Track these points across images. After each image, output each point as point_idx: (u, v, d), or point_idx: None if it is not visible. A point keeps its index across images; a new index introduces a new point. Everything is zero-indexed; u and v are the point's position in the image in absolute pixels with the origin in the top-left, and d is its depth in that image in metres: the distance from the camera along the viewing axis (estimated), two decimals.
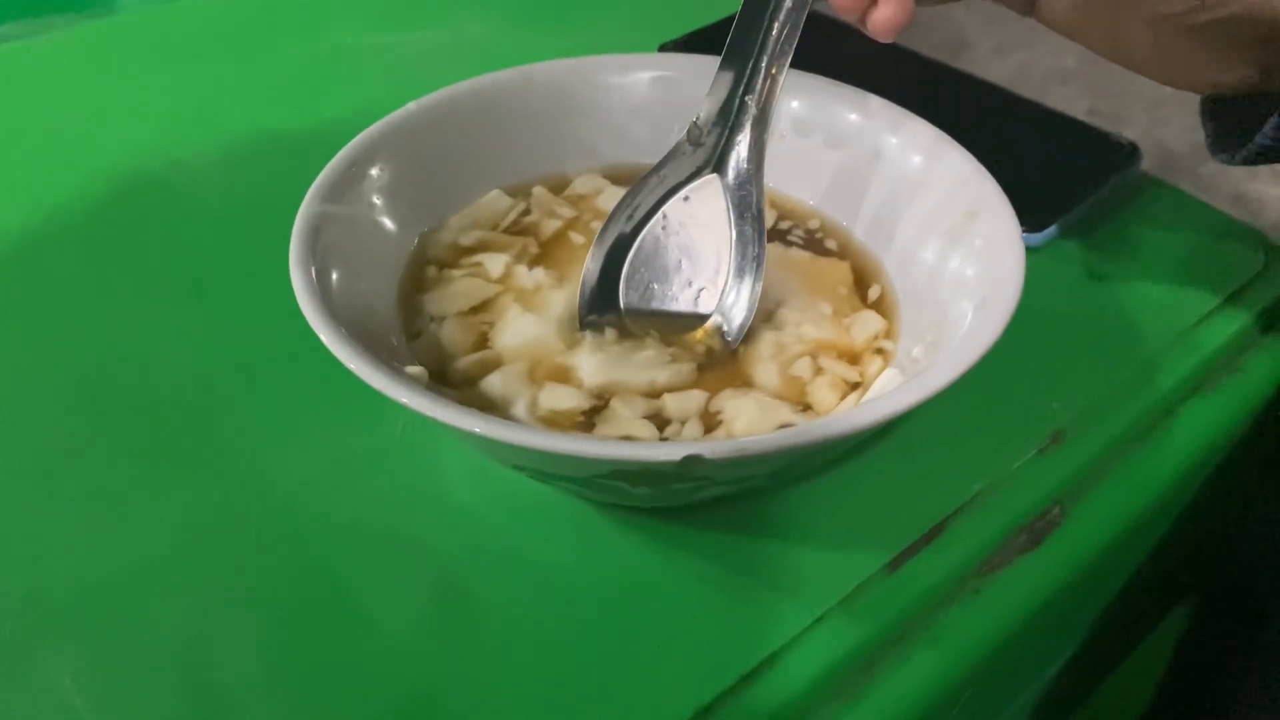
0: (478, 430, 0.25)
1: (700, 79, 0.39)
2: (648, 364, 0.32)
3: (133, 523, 0.33)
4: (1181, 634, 0.47)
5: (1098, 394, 0.38)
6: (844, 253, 0.37)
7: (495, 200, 0.38)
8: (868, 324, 0.35)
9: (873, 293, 0.35)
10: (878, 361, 0.34)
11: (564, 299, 0.35)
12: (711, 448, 0.25)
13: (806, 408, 0.32)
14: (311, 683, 0.29)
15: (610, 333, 0.33)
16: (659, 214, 0.34)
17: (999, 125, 0.49)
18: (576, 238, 0.37)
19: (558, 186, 0.39)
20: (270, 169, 0.48)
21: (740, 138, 0.34)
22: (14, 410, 0.37)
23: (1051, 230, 0.43)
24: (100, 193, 0.47)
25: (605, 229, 0.34)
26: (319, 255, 0.31)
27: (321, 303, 0.29)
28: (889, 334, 0.35)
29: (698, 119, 0.34)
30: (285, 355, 0.38)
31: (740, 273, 0.34)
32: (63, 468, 0.35)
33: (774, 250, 0.37)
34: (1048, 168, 0.46)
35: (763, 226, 0.34)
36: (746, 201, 0.34)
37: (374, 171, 0.35)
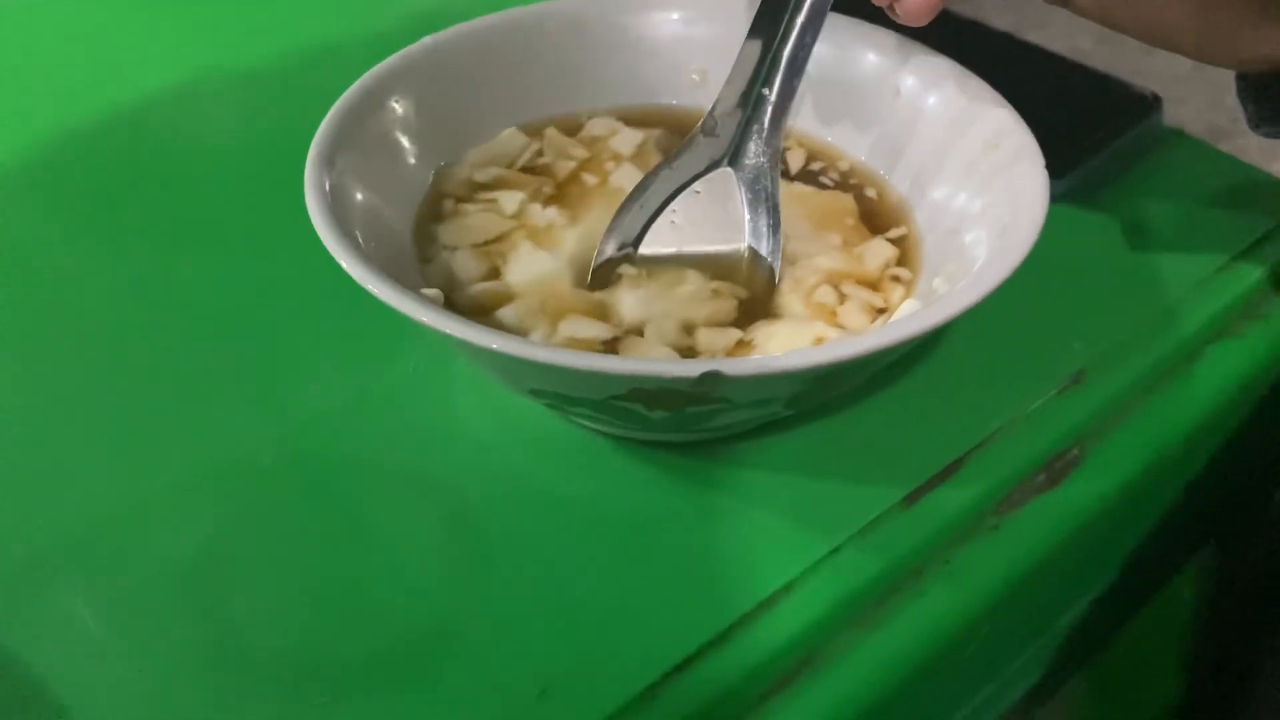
0: (495, 347, 0.24)
1: (714, 19, 0.39)
2: (690, 300, 0.32)
3: (148, 453, 0.33)
4: (1207, 581, 0.47)
5: (1119, 336, 0.37)
6: (877, 194, 0.37)
7: (511, 138, 0.38)
8: (878, 251, 0.35)
9: (896, 232, 0.35)
10: (899, 289, 0.33)
11: (575, 238, 0.34)
12: (732, 364, 0.24)
13: (842, 329, 0.32)
14: (325, 612, 0.29)
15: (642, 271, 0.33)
16: (669, 209, 0.34)
17: (1019, 75, 0.48)
18: (589, 179, 0.37)
19: (571, 128, 0.39)
20: (281, 99, 0.48)
21: (756, 130, 0.34)
22: (29, 344, 0.37)
23: (1073, 176, 0.43)
24: (107, 122, 0.47)
25: (616, 219, 0.34)
26: (335, 178, 0.31)
27: (336, 222, 0.29)
28: (905, 263, 0.34)
29: (714, 109, 0.34)
30: (301, 288, 0.38)
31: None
32: (78, 400, 0.35)
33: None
34: (1069, 117, 0.46)
35: (778, 221, 0.33)
36: (761, 195, 0.34)
37: (391, 103, 0.35)
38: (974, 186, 0.33)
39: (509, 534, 0.31)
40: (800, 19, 0.33)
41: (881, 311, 0.33)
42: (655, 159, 0.38)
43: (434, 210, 0.35)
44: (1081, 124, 0.45)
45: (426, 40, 0.37)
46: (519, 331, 0.32)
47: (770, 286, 0.33)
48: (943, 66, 0.36)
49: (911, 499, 0.32)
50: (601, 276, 0.33)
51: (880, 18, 0.34)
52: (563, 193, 0.37)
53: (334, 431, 0.34)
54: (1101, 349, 0.37)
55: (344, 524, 0.32)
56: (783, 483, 0.32)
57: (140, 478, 0.33)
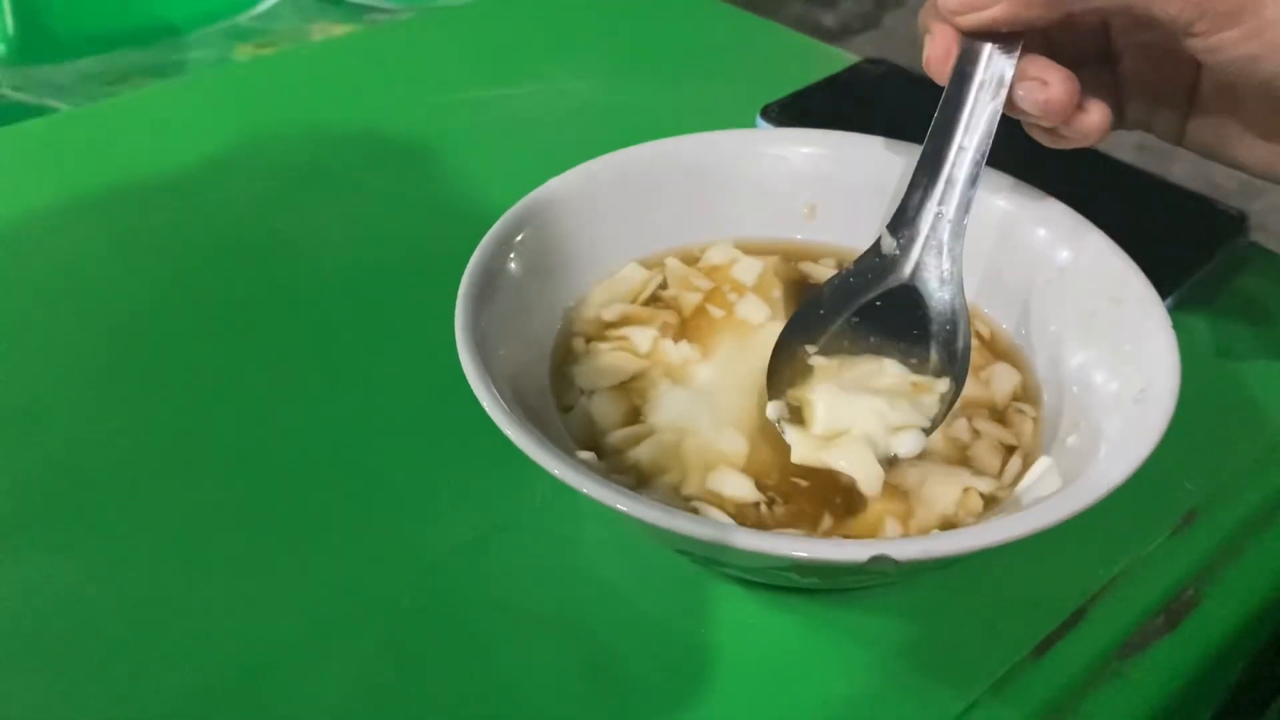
0: (678, 529, 0.25)
1: (823, 156, 0.40)
2: (891, 394, 0.32)
3: (285, 596, 0.34)
4: None
5: (1227, 472, 0.38)
6: (989, 333, 0.37)
7: (633, 273, 0.39)
8: (1005, 378, 0.36)
9: (1011, 379, 0.36)
10: (1028, 423, 0.34)
11: (711, 373, 0.35)
12: (900, 548, 0.25)
13: (976, 472, 0.33)
14: None
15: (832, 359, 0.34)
16: (845, 318, 0.34)
17: (1102, 192, 0.49)
18: (715, 311, 0.38)
19: (689, 258, 0.40)
20: (387, 230, 0.49)
21: (934, 245, 0.34)
22: (159, 485, 0.37)
23: (1168, 303, 0.43)
24: (217, 254, 0.48)
25: (789, 329, 0.34)
26: (480, 335, 0.32)
27: (493, 387, 0.30)
28: (1025, 397, 0.35)
29: (891, 225, 0.35)
30: (422, 420, 0.39)
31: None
32: (210, 543, 0.35)
33: None
34: (1156, 237, 0.46)
35: (965, 331, 0.34)
36: (944, 308, 0.34)
37: (521, 249, 0.36)
38: (1097, 339, 0.34)
39: (642, 678, 0.32)
40: (972, 137, 0.34)
41: (1011, 449, 0.34)
42: (776, 288, 0.39)
43: (567, 352, 0.36)
44: (1170, 244, 0.46)
45: (552, 182, 0.38)
46: (655, 470, 0.32)
47: (955, 397, 0.33)
48: (1056, 210, 0.37)
49: (1040, 650, 0.33)
50: (790, 369, 0.34)
51: None
52: (690, 326, 0.37)
53: (467, 570, 0.34)
54: (1211, 486, 0.38)
55: (482, 664, 0.32)
56: (915, 632, 0.33)
57: (278, 623, 0.33)
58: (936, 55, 0.34)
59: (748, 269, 0.39)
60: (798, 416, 0.33)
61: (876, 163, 0.40)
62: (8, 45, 1.07)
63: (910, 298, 0.34)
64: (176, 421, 0.40)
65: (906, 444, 0.31)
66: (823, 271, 0.40)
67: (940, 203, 0.34)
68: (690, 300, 0.38)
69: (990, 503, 0.32)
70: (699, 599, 0.34)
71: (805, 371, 0.34)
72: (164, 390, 0.41)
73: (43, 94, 0.93)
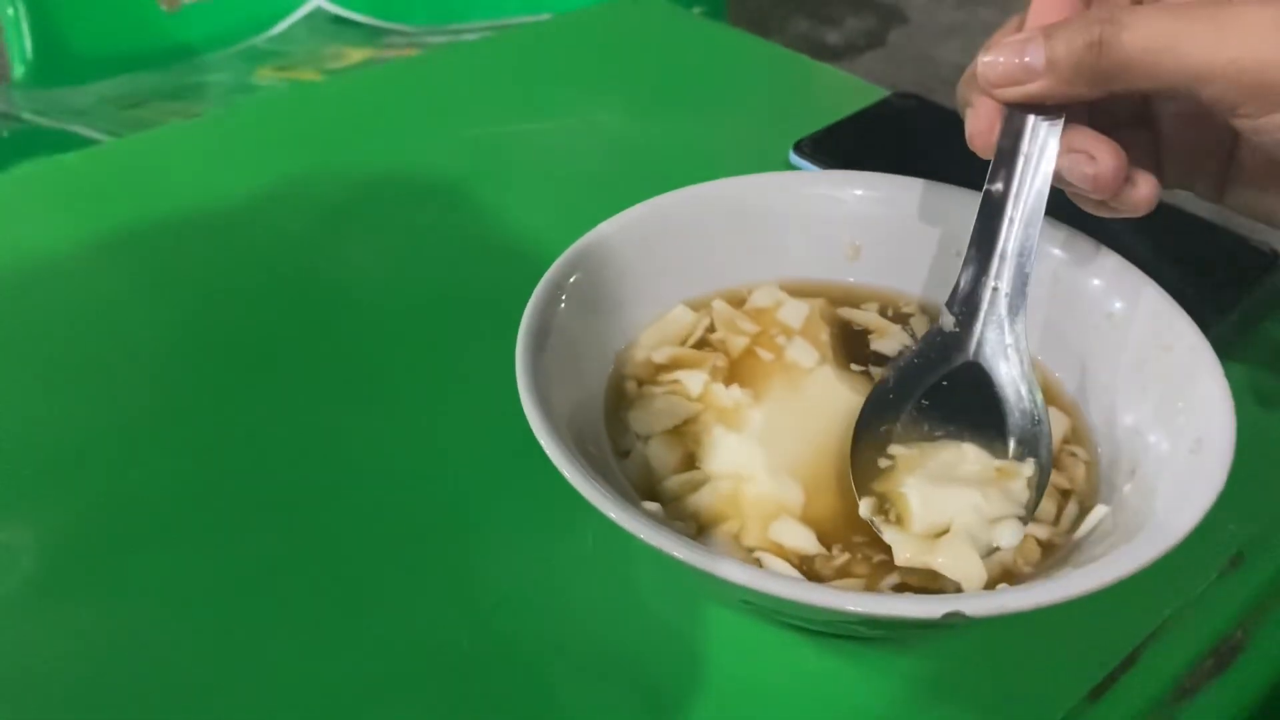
0: (760, 587, 0.26)
1: (867, 198, 0.41)
2: (980, 483, 0.32)
3: (343, 645, 0.34)
4: None
5: (1272, 514, 0.38)
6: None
7: (681, 315, 0.39)
8: (1056, 423, 0.36)
9: (1061, 423, 0.36)
10: (1080, 467, 0.34)
11: (763, 417, 0.36)
12: (974, 604, 0.25)
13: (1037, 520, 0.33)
14: None
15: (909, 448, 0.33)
16: (916, 401, 0.34)
17: (1133, 229, 0.50)
18: (765, 354, 0.38)
19: (736, 299, 0.41)
20: (428, 267, 0.49)
21: (994, 321, 0.34)
22: (205, 534, 0.37)
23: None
24: (258, 293, 0.48)
25: (863, 419, 0.34)
26: (541, 384, 0.32)
27: (559, 438, 0.30)
28: (1077, 438, 0.36)
29: (951, 303, 0.35)
30: (470, 462, 0.40)
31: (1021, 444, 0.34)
32: (263, 593, 0.36)
33: None
34: (1189, 276, 0.47)
35: (1040, 408, 0.34)
36: (1012, 385, 0.34)
37: (573, 291, 0.36)
38: (1149, 388, 0.34)
39: None
40: (1021, 209, 0.34)
41: (1066, 493, 0.34)
42: (823, 330, 0.39)
43: (620, 395, 0.37)
44: (1204, 283, 0.46)
45: (602, 226, 0.38)
46: (713, 519, 0.33)
47: (1043, 480, 0.33)
48: (1110, 260, 0.37)
49: (1097, 693, 0.33)
50: (872, 463, 0.34)
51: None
52: (740, 369, 0.38)
53: (525, 613, 0.35)
54: (1255, 529, 0.38)
55: (543, 708, 0.32)
56: (971, 677, 0.33)
57: (340, 669, 0.33)
58: (980, 130, 0.35)
59: (794, 311, 0.40)
60: (887, 511, 0.32)
61: (921, 205, 0.40)
62: (26, 67, 1.07)
63: (977, 375, 0.34)
64: (220, 465, 0.40)
65: (1008, 535, 0.31)
66: (867, 317, 0.40)
67: (996, 278, 0.34)
68: (738, 344, 0.39)
69: (1047, 549, 0.32)
70: (755, 643, 0.34)
71: (888, 464, 0.33)
72: (207, 434, 0.41)
73: (63, 118, 0.94)
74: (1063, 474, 0.35)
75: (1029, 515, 0.32)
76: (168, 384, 0.43)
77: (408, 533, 0.37)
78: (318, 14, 1.20)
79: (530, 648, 0.34)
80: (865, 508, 0.32)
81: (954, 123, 0.56)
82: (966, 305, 0.35)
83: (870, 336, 0.40)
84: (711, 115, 0.61)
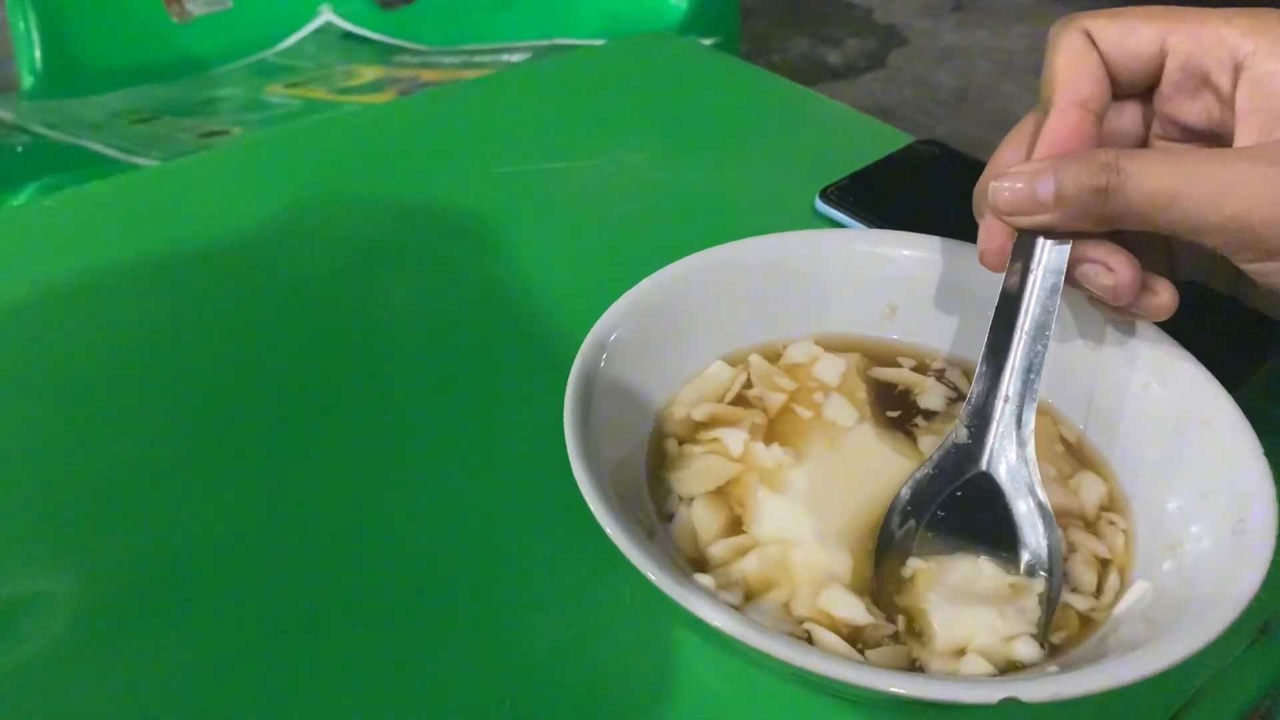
0: (809, 667, 0.26)
1: (904, 258, 0.41)
2: (995, 598, 0.32)
3: (386, 700, 0.34)
4: None
5: None
6: (1076, 439, 0.38)
7: (719, 371, 0.40)
8: (1092, 488, 0.36)
9: (1098, 488, 0.37)
10: (1119, 536, 0.35)
11: (805, 477, 0.36)
12: (1029, 690, 0.26)
13: (1073, 589, 0.34)
14: None
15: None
16: (932, 512, 0.35)
17: None
18: (803, 412, 0.39)
19: (772, 354, 0.41)
20: (461, 307, 0.49)
21: (1004, 432, 0.35)
22: (242, 583, 0.37)
23: None
24: (291, 328, 0.48)
25: (883, 533, 0.35)
26: (588, 445, 0.32)
27: (609, 502, 0.30)
28: (1114, 505, 0.36)
29: (964, 417, 0.35)
30: (507, 511, 0.40)
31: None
32: (303, 643, 0.36)
33: None
34: (1206, 345, 0.47)
35: (1049, 518, 0.34)
36: (1023, 492, 0.34)
37: (615, 349, 0.37)
38: (1188, 463, 0.34)
39: None
40: (1031, 322, 0.34)
41: (1106, 562, 0.34)
42: (859, 388, 0.40)
43: (661, 455, 0.37)
44: (1221, 352, 0.47)
45: (643, 283, 0.39)
46: (762, 585, 0.33)
47: (1055, 597, 0.33)
48: (1145, 330, 0.37)
49: None
50: (891, 578, 0.34)
51: None
52: (779, 427, 0.38)
53: (566, 671, 0.35)
54: None
55: None
56: None
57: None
58: (991, 248, 0.36)
59: (830, 367, 0.40)
60: (908, 626, 0.33)
61: (961, 266, 0.41)
62: (35, 78, 1.07)
63: (989, 485, 0.35)
64: (254, 514, 0.40)
65: (1025, 651, 0.31)
66: (903, 375, 0.41)
67: (1007, 391, 0.35)
68: (776, 400, 0.39)
69: (1085, 623, 0.33)
70: (793, 709, 0.34)
71: (907, 578, 0.34)
72: (241, 479, 0.41)
73: (74, 132, 0.94)
74: (1101, 542, 0.35)
75: (1041, 634, 0.32)
76: (201, 426, 0.43)
77: (444, 587, 0.37)
78: (328, 29, 1.20)
79: (571, 708, 0.34)
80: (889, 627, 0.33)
81: (976, 171, 0.57)
82: (979, 417, 0.35)
83: (909, 394, 0.40)
84: (736, 157, 0.61)
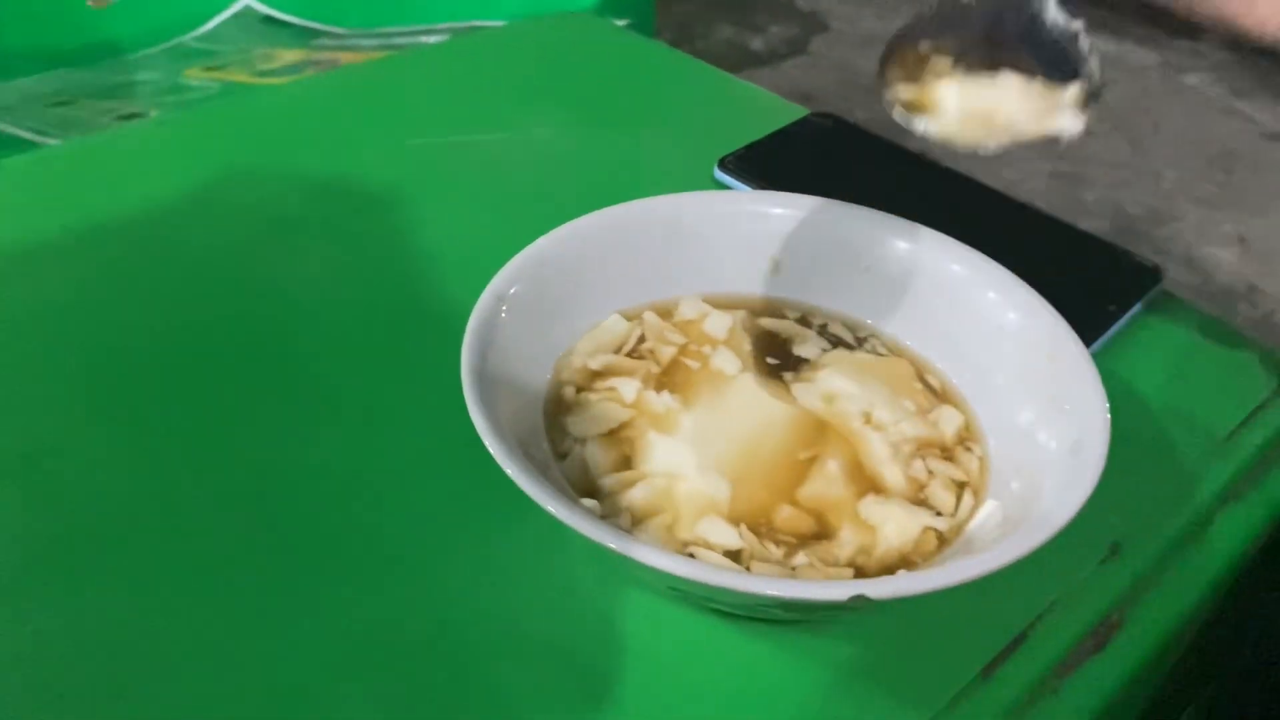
0: (683, 573, 0.28)
1: (786, 216, 0.44)
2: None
3: (302, 634, 0.36)
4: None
5: (1147, 508, 0.43)
6: (939, 384, 0.42)
7: (615, 324, 0.42)
8: (950, 419, 0.40)
9: (956, 419, 0.40)
10: (973, 460, 0.38)
11: (692, 422, 0.39)
12: (877, 588, 0.29)
13: (937, 512, 0.37)
14: None
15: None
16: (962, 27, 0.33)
17: (1024, 243, 0.54)
18: (692, 363, 0.41)
19: (665, 311, 0.44)
20: (371, 274, 0.51)
21: None
22: (161, 532, 0.39)
23: (1091, 350, 0.48)
24: (204, 298, 0.49)
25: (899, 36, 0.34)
26: (485, 389, 0.35)
27: (503, 440, 0.33)
28: (971, 435, 0.39)
29: None
30: (417, 464, 0.42)
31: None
32: (223, 583, 0.37)
33: (844, 355, 0.42)
34: (1079, 289, 0.51)
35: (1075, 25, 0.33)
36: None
37: (514, 302, 0.39)
38: (1036, 394, 0.38)
39: (634, 703, 0.35)
40: None
41: (962, 485, 0.38)
42: (745, 341, 0.42)
43: (559, 401, 0.39)
44: (1092, 296, 0.51)
45: (541, 240, 0.41)
46: (647, 511, 0.36)
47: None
48: (1003, 275, 0.41)
49: (988, 671, 0.37)
50: (905, 65, 0.34)
51: None
52: (669, 377, 0.41)
53: (470, 603, 0.37)
54: (1132, 521, 0.42)
55: (490, 693, 0.35)
56: (877, 657, 0.36)
57: (297, 660, 0.35)
58: None
59: (718, 323, 0.43)
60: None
61: (838, 224, 0.44)
62: None
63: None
64: (170, 469, 0.41)
65: (1068, 122, 0.31)
66: (784, 325, 0.44)
67: None
68: (667, 353, 0.42)
69: (942, 540, 0.36)
70: (683, 629, 0.37)
71: (923, 65, 0.33)
72: (155, 438, 0.42)
73: None
74: (958, 467, 0.38)
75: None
76: (115, 389, 0.45)
77: (359, 530, 0.39)
78: (247, 13, 1.20)
79: (476, 636, 0.36)
80: (896, 111, 0.33)
81: (866, 141, 0.60)
82: None
83: (789, 343, 0.43)
84: (643, 130, 0.64)
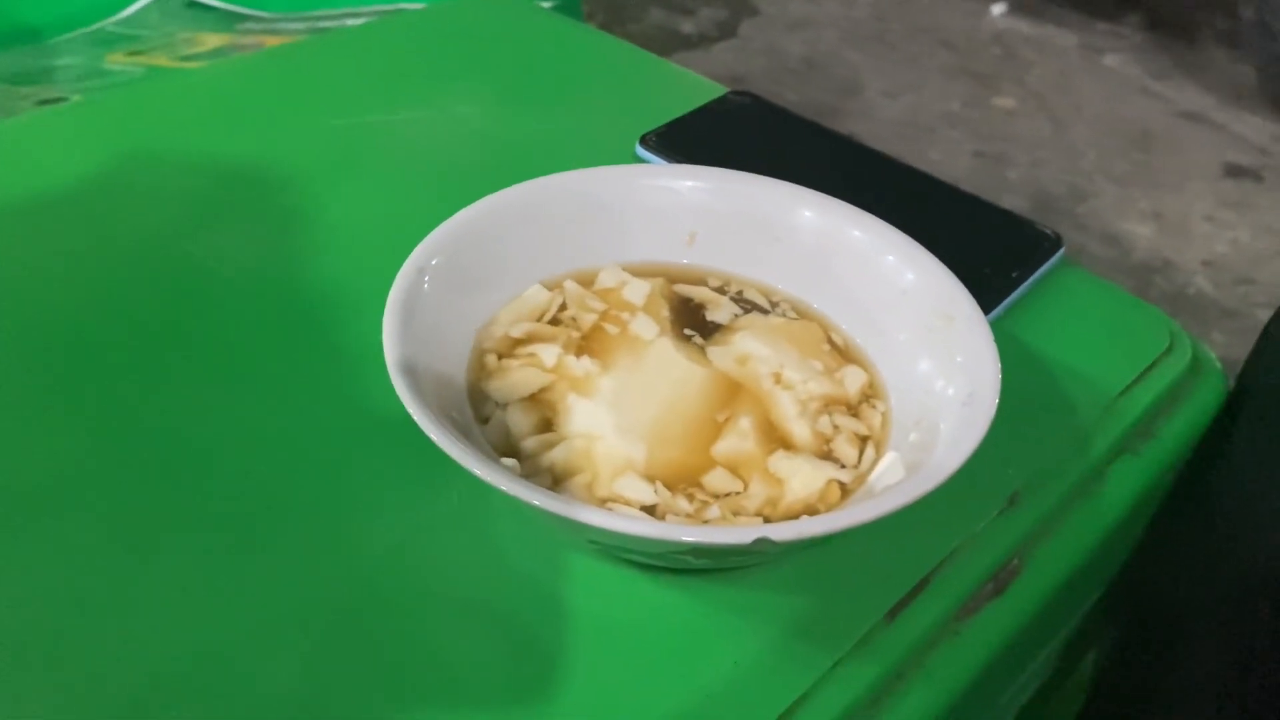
0: (596, 523, 0.30)
1: (702, 189, 0.46)
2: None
3: (231, 598, 0.37)
4: (1101, 664, 0.56)
5: (1043, 461, 0.45)
6: (842, 341, 0.44)
7: (536, 294, 0.43)
8: (855, 377, 0.42)
9: (860, 377, 0.42)
10: (877, 415, 0.40)
11: (611, 385, 0.40)
12: (778, 531, 0.30)
13: (841, 465, 0.39)
14: None
15: None
16: None
17: (937, 218, 0.56)
18: (611, 328, 0.43)
19: (585, 280, 0.45)
20: (297, 250, 0.52)
21: None
22: (87, 504, 0.40)
23: (994, 315, 0.51)
24: (129, 278, 0.50)
25: None
26: (406, 357, 0.36)
27: (423, 401, 0.34)
28: (874, 392, 0.42)
29: None
30: (344, 434, 0.43)
31: None
32: (151, 551, 0.38)
33: (757, 319, 0.44)
34: (986, 258, 0.54)
35: None
36: None
37: (435, 273, 0.40)
38: (935, 351, 0.40)
39: (559, 656, 0.36)
40: None
41: (865, 439, 0.40)
42: (663, 307, 0.44)
43: (481, 368, 0.40)
44: (998, 263, 0.53)
45: (463, 212, 0.42)
46: (566, 472, 0.37)
47: None
48: (901, 239, 0.43)
49: (892, 614, 0.39)
50: None
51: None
52: (590, 343, 0.42)
53: (398, 567, 0.38)
54: (1030, 473, 0.45)
55: (417, 649, 0.36)
56: (787, 603, 0.38)
57: (223, 622, 0.36)
58: None
59: (636, 290, 0.44)
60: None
61: (750, 196, 0.46)
62: None
63: None
64: (97, 444, 0.42)
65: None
66: (700, 292, 0.45)
67: None
68: (588, 320, 0.43)
69: (845, 491, 0.38)
70: (603, 582, 0.38)
71: None
72: (81, 415, 0.43)
73: None
74: (862, 422, 0.40)
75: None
76: (34, 369, 0.45)
77: (286, 498, 0.40)
78: None
79: (403, 598, 0.38)
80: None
81: (784, 119, 0.62)
82: None
83: (703, 309, 0.45)
84: (565, 109, 0.65)
